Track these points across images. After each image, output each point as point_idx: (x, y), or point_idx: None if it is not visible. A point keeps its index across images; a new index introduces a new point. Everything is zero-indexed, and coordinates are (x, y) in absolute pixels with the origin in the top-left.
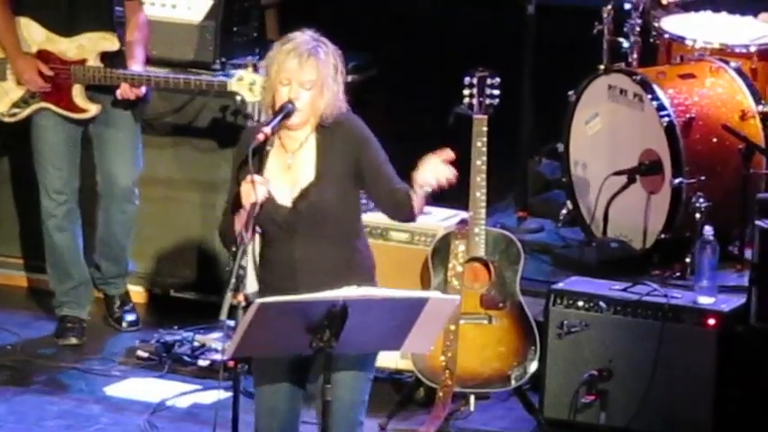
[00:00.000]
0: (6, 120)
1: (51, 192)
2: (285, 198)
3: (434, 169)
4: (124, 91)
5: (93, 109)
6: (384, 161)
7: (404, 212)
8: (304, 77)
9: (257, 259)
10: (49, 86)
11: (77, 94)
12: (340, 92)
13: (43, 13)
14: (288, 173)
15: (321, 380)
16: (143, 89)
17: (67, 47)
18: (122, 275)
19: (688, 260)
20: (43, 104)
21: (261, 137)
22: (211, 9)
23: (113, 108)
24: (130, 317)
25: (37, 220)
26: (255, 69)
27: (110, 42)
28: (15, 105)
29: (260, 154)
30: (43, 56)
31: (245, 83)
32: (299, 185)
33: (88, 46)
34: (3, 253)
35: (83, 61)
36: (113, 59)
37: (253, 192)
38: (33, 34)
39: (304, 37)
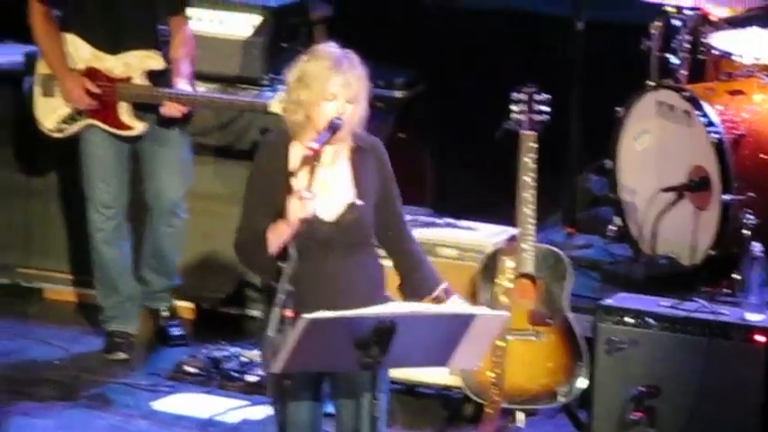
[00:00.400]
0: (55, 135)
1: (99, 206)
2: (327, 213)
3: None
4: (169, 109)
5: (139, 126)
6: (399, 198)
7: (406, 293)
8: (351, 92)
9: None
10: (96, 104)
11: (123, 111)
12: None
13: (89, 31)
14: (326, 188)
15: (342, 397)
16: (186, 108)
17: (114, 64)
18: (169, 289)
19: (736, 277)
20: (90, 121)
21: (312, 153)
22: (260, 25)
23: (161, 126)
24: (177, 331)
25: (85, 235)
26: None
27: (155, 61)
28: (63, 122)
29: (308, 169)
30: (91, 73)
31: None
32: (340, 201)
33: (134, 64)
34: (51, 268)
35: (128, 79)
36: (159, 77)
37: (303, 207)
38: (80, 51)
39: (337, 51)
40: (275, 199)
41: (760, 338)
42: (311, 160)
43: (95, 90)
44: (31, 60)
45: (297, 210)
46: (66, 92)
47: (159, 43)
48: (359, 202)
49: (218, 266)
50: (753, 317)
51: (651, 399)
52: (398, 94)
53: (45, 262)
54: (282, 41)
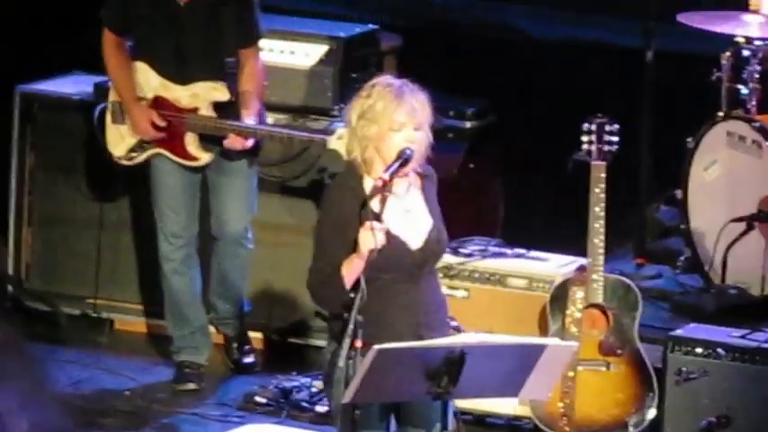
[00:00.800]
0: (124, 163)
1: (169, 236)
2: (413, 241)
3: None
4: (231, 142)
5: (205, 157)
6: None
7: None
8: (417, 120)
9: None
10: (163, 135)
11: (190, 142)
12: None
13: (157, 61)
14: (407, 216)
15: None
16: (250, 141)
17: (181, 94)
18: (238, 316)
19: None
20: (158, 150)
21: (380, 183)
22: (330, 55)
23: (227, 157)
24: (248, 359)
25: (156, 266)
26: None
27: (220, 93)
28: (132, 150)
29: (378, 200)
30: (159, 102)
31: (343, 141)
32: (423, 229)
33: (201, 95)
34: (123, 299)
35: (195, 110)
36: (226, 109)
37: (372, 238)
38: (150, 80)
39: (395, 81)
40: (349, 236)
41: None
42: (381, 191)
43: (161, 123)
44: (100, 91)
45: (368, 241)
46: (134, 124)
47: (224, 75)
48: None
49: (285, 297)
50: None
51: (721, 429)
52: (469, 124)
53: (116, 293)
54: (352, 72)
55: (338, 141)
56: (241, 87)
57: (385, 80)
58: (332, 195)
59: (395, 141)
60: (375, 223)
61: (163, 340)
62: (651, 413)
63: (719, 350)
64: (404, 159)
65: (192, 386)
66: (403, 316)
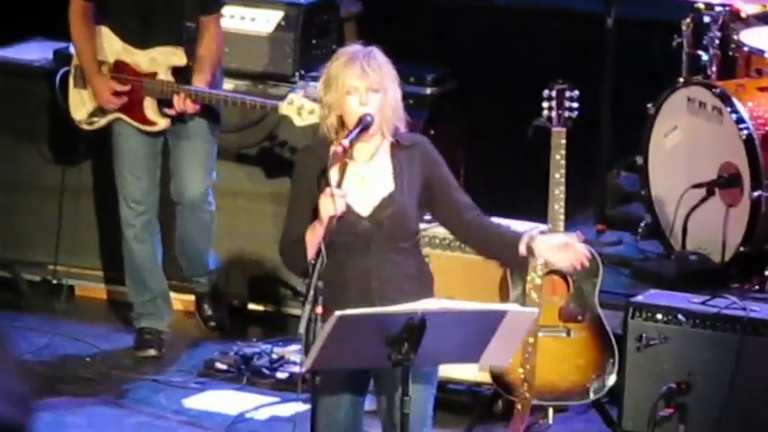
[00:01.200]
0: (84, 127)
1: (130, 201)
2: (364, 208)
3: (574, 253)
4: (179, 103)
5: (162, 123)
6: (458, 188)
7: (499, 258)
8: (370, 80)
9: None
10: (125, 100)
11: (148, 106)
12: (400, 98)
13: (121, 24)
14: (363, 183)
15: (386, 394)
16: (198, 105)
17: (141, 59)
18: (203, 275)
19: (767, 273)
20: (118, 115)
21: (340, 150)
22: (290, 21)
23: (187, 122)
24: (217, 316)
25: (117, 232)
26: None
27: (178, 57)
28: (93, 114)
29: (338, 167)
30: (119, 67)
31: (294, 107)
32: (377, 195)
33: (159, 59)
34: (83, 265)
35: (154, 74)
36: (184, 74)
37: (332, 204)
38: (112, 44)
39: (355, 47)
40: (315, 203)
41: None
42: (341, 157)
43: (124, 88)
44: (60, 57)
45: (327, 207)
46: (95, 94)
47: (183, 40)
48: (394, 195)
49: (243, 263)
50: None
51: (682, 395)
52: (429, 90)
53: (76, 259)
54: (313, 38)
55: (289, 107)
56: (198, 52)
57: (346, 47)
58: (300, 162)
59: (351, 105)
60: (335, 190)
61: (123, 307)
62: (611, 379)
63: (680, 316)
64: (364, 125)
65: (152, 352)
66: (355, 282)
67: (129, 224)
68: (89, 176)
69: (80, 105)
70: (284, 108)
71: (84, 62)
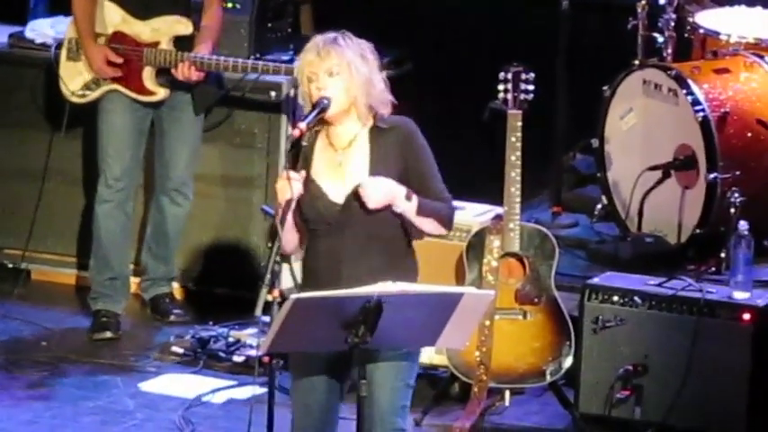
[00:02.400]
0: (75, 100)
1: (110, 178)
2: (337, 195)
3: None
4: (183, 70)
5: (161, 92)
6: (432, 176)
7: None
8: (325, 65)
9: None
10: (118, 73)
11: (147, 76)
12: (375, 78)
13: None
14: (338, 170)
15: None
16: (202, 74)
17: (142, 29)
18: (169, 277)
19: (723, 255)
20: (113, 86)
21: (296, 132)
22: (245, 4)
23: (181, 99)
24: (178, 310)
25: (73, 216)
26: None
27: (183, 26)
28: (86, 87)
29: (300, 150)
30: (118, 37)
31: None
32: (351, 183)
33: (162, 29)
34: (40, 249)
35: (156, 44)
36: (186, 44)
37: (288, 188)
38: (111, 15)
39: (324, 35)
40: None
41: (746, 316)
42: (297, 140)
43: (118, 60)
44: (17, 41)
45: (282, 191)
46: (90, 62)
47: (190, 10)
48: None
49: (205, 247)
50: (739, 295)
51: (638, 377)
52: (385, 73)
53: (32, 243)
54: (268, 21)
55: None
56: (203, 23)
57: (321, 35)
58: (301, 150)
59: (312, 92)
60: (292, 173)
61: (80, 291)
62: (568, 361)
63: (636, 298)
64: (320, 108)
65: (108, 335)
66: (327, 269)
67: (104, 200)
68: (44, 161)
69: (74, 76)
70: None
71: (81, 29)
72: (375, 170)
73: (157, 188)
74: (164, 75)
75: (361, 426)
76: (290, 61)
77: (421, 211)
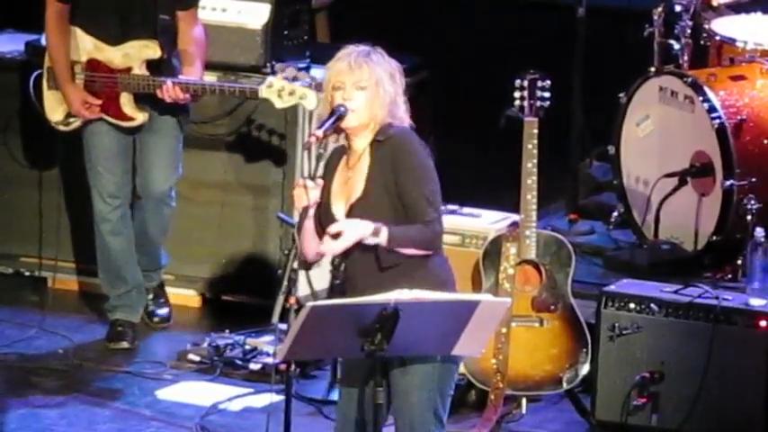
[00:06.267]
0: (61, 128)
1: (106, 196)
2: (339, 211)
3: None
4: (168, 91)
5: (140, 117)
6: (415, 192)
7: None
8: (354, 77)
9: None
10: (97, 112)
11: (126, 102)
12: (399, 100)
13: (96, 23)
14: (344, 188)
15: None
16: (188, 95)
17: (114, 55)
18: (155, 269)
19: (739, 262)
20: (96, 115)
21: (312, 140)
22: (262, 13)
23: (159, 116)
24: (162, 311)
25: (89, 225)
26: (318, 88)
27: (152, 50)
28: (70, 115)
29: (324, 159)
30: (92, 65)
31: (273, 89)
32: (351, 199)
33: (133, 54)
34: (56, 257)
35: (128, 69)
36: (159, 67)
37: (305, 195)
38: (84, 43)
39: (358, 47)
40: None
41: (763, 323)
42: (312, 146)
43: (96, 102)
44: (34, 51)
45: (299, 198)
46: (68, 104)
47: (157, 33)
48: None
49: (223, 255)
50: (756, 302)
51: (654, 384)
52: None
53: (49, 251)
54: (284, 29)
55: (269, 90)
56: (182, 47)
57: (354, 46)
58: (327, 161)
59: (336, 100)
60: (308, 181)
61: (96, 298)
62: (584, 369)
63: (652, 305)
64: (337, 116)
65: (125, 344)
66: (333, 279)
67: (104, 219)
68: (60, 170)
69: (57, 106)
70: (264, 91)
71: (57, 70)
72: (369, 186)
73: (141, 198)
74: (142, 100)
75: None
76: (307, 69)
77: (393, 243)
